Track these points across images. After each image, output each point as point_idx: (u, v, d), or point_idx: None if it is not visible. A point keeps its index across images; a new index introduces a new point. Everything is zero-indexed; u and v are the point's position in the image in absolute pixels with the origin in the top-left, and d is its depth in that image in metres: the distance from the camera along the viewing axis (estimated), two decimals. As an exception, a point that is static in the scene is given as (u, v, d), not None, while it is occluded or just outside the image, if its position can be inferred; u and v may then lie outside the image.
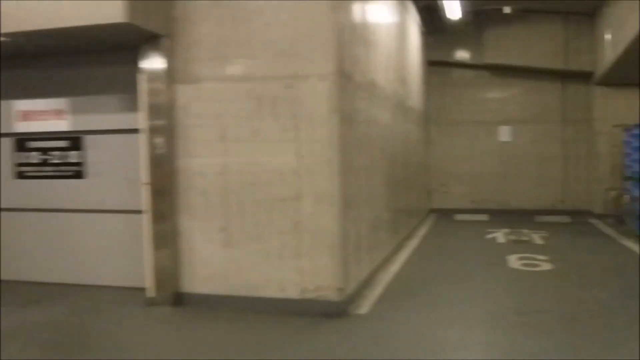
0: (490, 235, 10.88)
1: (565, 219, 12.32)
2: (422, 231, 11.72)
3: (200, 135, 5.89)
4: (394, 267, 8.02)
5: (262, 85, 5.71)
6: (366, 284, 6.62)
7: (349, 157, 5.97)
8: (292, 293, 5.68)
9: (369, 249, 6.85)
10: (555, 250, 9.36)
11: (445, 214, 13.98)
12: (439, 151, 14.67)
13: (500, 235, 10.85)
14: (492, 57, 13.62)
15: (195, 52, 5.87)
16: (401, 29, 9.97)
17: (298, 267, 5.66)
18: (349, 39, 6.11)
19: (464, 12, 12.05)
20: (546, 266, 8.05)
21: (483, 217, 12.97)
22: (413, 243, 10.25)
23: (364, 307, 5.97)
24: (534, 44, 13.28)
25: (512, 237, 10.61)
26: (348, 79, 5.98)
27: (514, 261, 8.40)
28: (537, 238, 10.42)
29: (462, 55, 14.18)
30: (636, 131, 9.92)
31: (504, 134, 14.11)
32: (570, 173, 13.57)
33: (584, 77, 13.25)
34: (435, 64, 14.45)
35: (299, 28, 5.58)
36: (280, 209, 5.67)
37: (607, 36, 11.28)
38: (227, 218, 5.82)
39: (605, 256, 8.91)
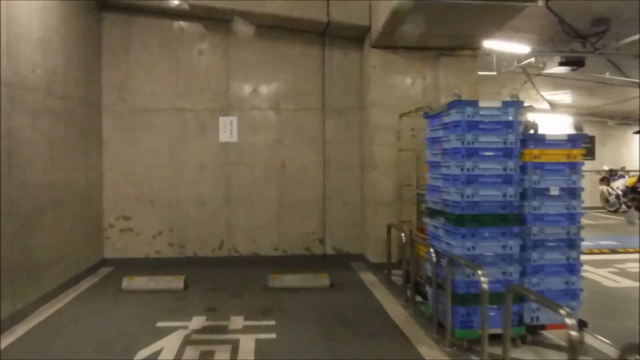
0: (148, 348, 4.48)
1: (322, 279, 6.63)
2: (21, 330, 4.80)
3: None
4: None
5: None
6: None
7: None
8: None
9: None
10: None
11: (121, 270, 7.34)
12: (119, 161, 7.94)
13: (171, 343, 4.53)
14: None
15: None
16: None
17: None
18: None
19: None
20: None
21: (176, 283, 6.52)
22: None
23: None
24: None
25: (193, 352, 4.36)
26: None
27: None
28: (247, 348, 4.36)
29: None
30: (454, 117, 4.56)
31: (227, 129, 8.03)
32: (333, 195, 8.11)
33: (356, 36, 7.98)
34: (114, 9, 7.80)
35: None
36: None
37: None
38: None
39: None
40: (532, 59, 10.06)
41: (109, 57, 7.91)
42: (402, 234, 5.88)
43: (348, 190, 8.10)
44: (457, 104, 4.49)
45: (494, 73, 10.78)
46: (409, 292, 5.78)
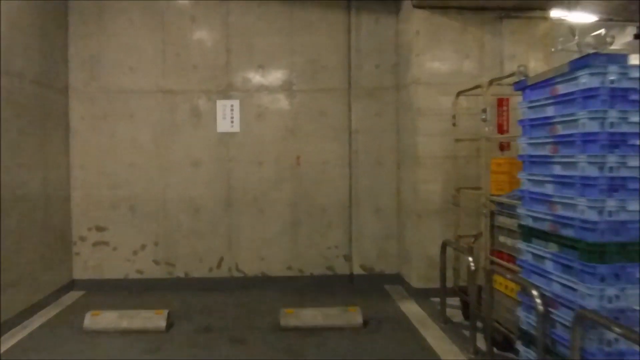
0: None
1: (353, 315, 4.89)
2: None
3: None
4: None
5: None
6: None
7: None
8: None
9: None
10: None
11: (93, 295, 5.87)
12: (90, 157, 6.30)
13: None
14: None
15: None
16: None
17: None
18: None
19: None
20: None
21: (155, 321, 4.81)
22: None
23: None
24: None
25: None
26: None
27: None
28: None
29: None
30: (586, 83, 2.80)
31: (227, 116, 6.33)
32: (362, 199, 6.38)
33: (388, -2, 6.27)
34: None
35: None
36: None
37: None
38: None
39: None
40: (602, 31, 8.23)
41: (77, 26, 6.25)
42: (470, 259, 4.15)
43: (381, 193, 6.37)
44: (593, 60, 2.73)
45: (551, 50, 8.95)
46: (481, 342, 4.05)
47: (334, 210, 6.37)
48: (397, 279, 6.31)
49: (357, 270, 6.39)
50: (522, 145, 3.42)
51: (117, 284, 6.26)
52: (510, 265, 3.78)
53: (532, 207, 3.31)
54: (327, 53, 6.34)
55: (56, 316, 5.31)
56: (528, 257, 3.36)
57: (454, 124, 5.07)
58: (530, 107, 3.34)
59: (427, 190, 5.67)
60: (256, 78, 6.35)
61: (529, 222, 3.34)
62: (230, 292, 6.07)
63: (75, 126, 6.27)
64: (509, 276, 3.50)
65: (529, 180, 3.34)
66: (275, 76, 6.35)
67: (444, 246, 4.82)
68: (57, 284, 5.92)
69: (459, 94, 5.00)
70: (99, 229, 6.32)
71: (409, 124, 5.87)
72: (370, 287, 6.21)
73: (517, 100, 5.04)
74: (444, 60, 5.71)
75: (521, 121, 3.43)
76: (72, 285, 6.25)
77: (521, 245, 3.46)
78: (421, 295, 5.66)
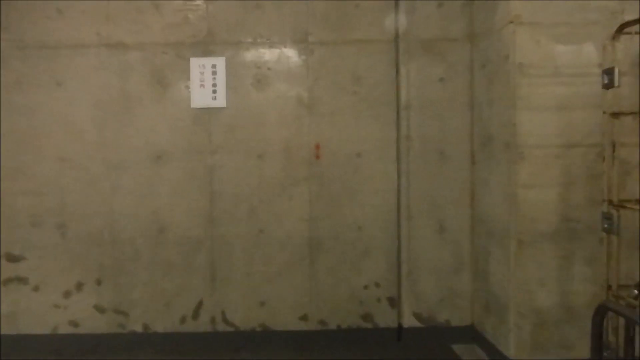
0: None
1: None
2: None
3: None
4: None
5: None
6: None
7: None
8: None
9: None
10: None
11: None
12: (5, 142, 4.07)
13: None
14: None
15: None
16: None
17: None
18: None
19: None
20: None
21: None
22: None
23: None
24: None
25: None
26: None
27: None
28: None
29: None
30: None
31: (207, 83, 4.09)
32: (417, 211, 4.15)
33: None
34: None
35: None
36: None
37: None
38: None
39: None
40: None
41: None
42: None
43: (447, 201, 4.14)
44: None
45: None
46: None
47: (374, 228, 4.14)
48: (471, 333, 4.11)
49: (410, 321, 4.17)
50: None
51: (40, 342, 4.10)
52: None
53: None
54: (363, -16, 4.10)
55: None
56: None
57: (608, 86, 2.79)
58: None
59: (533, 200, 3.43)
60: (252, 23, 4.10)
61: None
62: (213, 357, 3.88)
63: (-26, 100, 4.07)
64: None
65: None
66: (282, 20, 4.10)
67: (602, 311, 2.57)
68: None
69: (623, 26, 2.71)
70: (12, 258, 4.12)
71: (501, 92, 3.61)
72: (430, 349, 4.01)
73: None
74: (560, -15, 3.46)
75: None
76: (-28, 343, 4.07)
77: None
78: (523, 373, 3.44)
